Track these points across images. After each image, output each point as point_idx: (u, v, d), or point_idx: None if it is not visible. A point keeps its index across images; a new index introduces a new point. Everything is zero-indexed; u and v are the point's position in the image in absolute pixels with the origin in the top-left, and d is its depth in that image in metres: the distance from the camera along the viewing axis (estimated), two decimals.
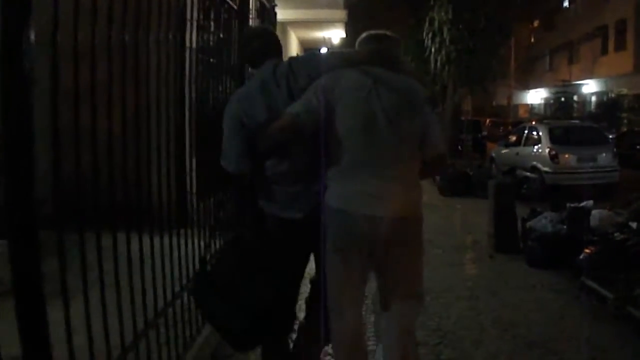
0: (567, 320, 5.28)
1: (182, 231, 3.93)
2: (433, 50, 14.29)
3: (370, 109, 3.02)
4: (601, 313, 5.40)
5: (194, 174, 4.90)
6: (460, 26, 13.78)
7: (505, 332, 4.92)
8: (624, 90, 32.89)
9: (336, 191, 3.03)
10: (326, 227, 3.06)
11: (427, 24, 14.55)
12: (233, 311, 3.09)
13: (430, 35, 14.41)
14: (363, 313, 3.47)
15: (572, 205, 7.57)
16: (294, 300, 3.56)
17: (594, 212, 7.37)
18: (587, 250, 6.45)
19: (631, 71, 32.29)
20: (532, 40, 49.56)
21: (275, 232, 3.34)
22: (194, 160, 5.01)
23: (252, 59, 3.53)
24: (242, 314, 3.06)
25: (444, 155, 3.31)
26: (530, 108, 51.49)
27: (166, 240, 3.55)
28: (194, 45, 4.62)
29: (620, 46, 34.34)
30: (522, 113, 52.69)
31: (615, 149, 13.89)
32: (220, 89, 5.22)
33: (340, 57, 3.44)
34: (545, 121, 18.28)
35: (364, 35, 3.40)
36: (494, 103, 52.76)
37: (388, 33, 3.43)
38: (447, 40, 13.98)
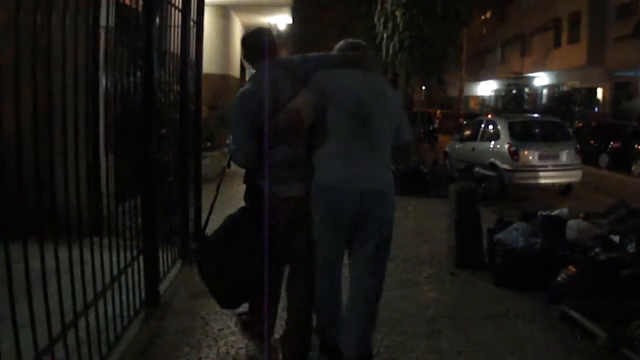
0: None
1: (95, 240, 3.72)
2: (385, 36, 13.20)
3: (357, 104, 3.61)
4: (590, 353, 4.40)
5: (110, 172, 4.37)
6: (415, 11, 12.72)
7: None
8: (577, 84, 32.60)
9: (327, 172, 3.62)
10: (316, 202, 3.67)
11: (379, 7, 13.45)
12: (220, 274, 3.80)
13: (382, 20, 13.31)
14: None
15: (544, 214, 6.57)
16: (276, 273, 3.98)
17: (570, 222, 6.38)
18: (567, 271, 5.44)
19: (584, 64, 32.01)
20: (484, 31, 49.14)
21: (272, 209, 3.70)
22: (110, 157, 4.56)
23: (252, 56, 3.90)
24: (226, 278, 3.78)
25: (410, 144, 4.20)
26: (481, 100, 51.26)
27: (75, 251, 3.32)
28: (111, 24, 4.23)
29: (573, 39, 34.15)
30: (472, 105, 52.59)
31: (578, 145, 13.05)
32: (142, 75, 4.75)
33: (333, 58, 3.88)
34: (504, 115, 17.45)
35: (342, 43, 4.01)
36: (443, 94, 52.35)
37: (362, 42, 4.08)
38: (401, 26, 12.91)
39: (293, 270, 4.05)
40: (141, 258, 4.76)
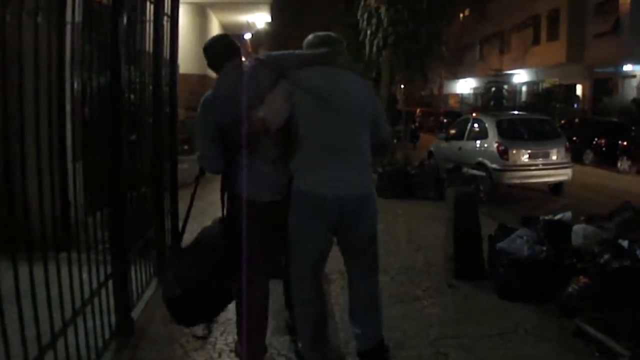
0: None
1: (62, 255, 3.38)
2: (369, 32, 12.74)
3: (329, 105, 3.51)
4: None
5: (78, 181, 4.04)
6: (400, 6, 12.25)
7: None
8: (557, 81, 32.46)
9: (305, 178, 3.52)
10: (295, 208, 3.56)
11: (362, 2, 12.96)
12: (171, 281, 3.70)
13: (365, 16, 12.86)
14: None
15: (547, 218, 6.15)
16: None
17: (575, 227, 5.96)
18: (577, 282, 5.03)
19: (564, 61, 31.87)
20: (463, 28, 48.91)
21: (247, 215, 3.60)
22: (78, 165, 4.27)
23: (214, 63, 3.77)
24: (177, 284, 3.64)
25: (387, 139, 3.97)
26: (461, 98, 51.10)
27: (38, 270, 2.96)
28: (78, 19, 4.08)
29: (552, 36, 33.99)
30: (452, 103, 52.39)
31: (567, 143, 12.70)
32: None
33: (298, 58, 3.72)
34: (492, 113, 17.10)
35: (310, 37, 3.83)
36: (423, 92, 52.09)
37: (332, 34, 3.92)
38: (385, 22, 12.46)
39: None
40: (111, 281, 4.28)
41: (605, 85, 30.26)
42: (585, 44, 30.85)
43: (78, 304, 3.62)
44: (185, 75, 16.42)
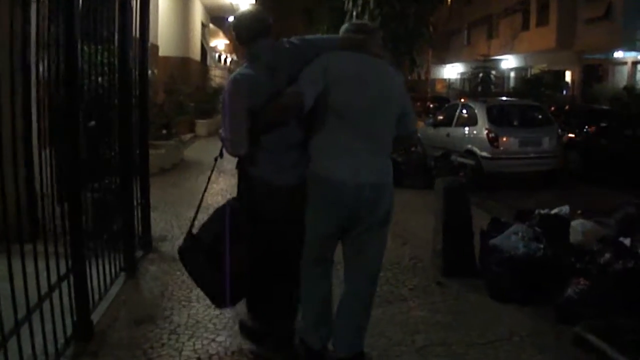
0: None
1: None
2: (355, 14, 12.27)
3: (359, 90, 3.45)
4: None
5: (47, 169, 3.75)
6: None
7: None
8: (545, 66, 32.15)
9: (325, 162, 3.46)
10: (309, 192, 3.52)
11: None
12: (215, 273, 3.53)
13: None
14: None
15: (542, 212, 5.75)
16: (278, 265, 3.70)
17: (574, 223, 5.59)
18: (577, 284, 4.66)
19: (554, 47, 31.47)
20: (450, 12, 48.47)
21: (265, 199, 3.58)
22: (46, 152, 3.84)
23: (242, 38, 3.60)
24: (223, 276, 3.50)
25: (414, 132, 3.99)
26: (448, 83, 50.74)
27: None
28: None
29: (542, 22, 33.52)
30: (439, 88, 52.01)
31: (560, 130, 12.33)
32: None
33: (335, 41, 3.67)
34: (481, 98, 16.68)
35: (347, 24, 3.83)
36: (417, 77, 51.66)
37: (368, 24, 4.13)
38: (372, 3, 12.00)
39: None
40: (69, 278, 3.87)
41: (595, 71, 29.96)
42: (576, 30, 30.45)
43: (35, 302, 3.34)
44: (166, 58, 15.97)
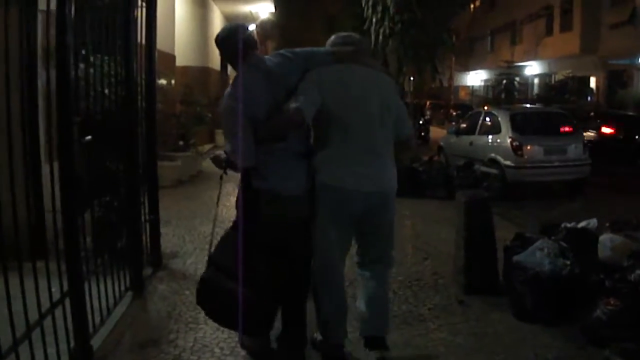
0: None
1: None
2: (374, 20, 12.04)
3: (356, 101, 3.62)
4: None
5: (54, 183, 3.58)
6: None
7: None
8: (570, 72, 31.67)
9: (330, 171, 3.60)
10: (319, 201, 3.64)
11: None
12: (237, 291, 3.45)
13: (370, 2, 12.13)
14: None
15: (569, 226, 5.46)
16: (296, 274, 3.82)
17: (602, 237, 5.29)
18: (607, 304, 4.37)
19: (577, 52, 30.99)
20: (473, 19, 48.13)
21: (271, 209, 3.61)
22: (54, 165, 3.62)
23: (227, 58, 3.72)
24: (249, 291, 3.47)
25: (411, 137, 4.12)
26: (471, 90, 50.31)
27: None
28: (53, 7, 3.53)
29: (566, 27, 33.02)
30: (462, 95, 51.61)
31: (585, 139, 11.97)
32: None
33: (328, 54, 3.78)
34: (505, 106, 16.32)
35: (334, 37, 3.96)
36: (432, 84, 51.33)
37: (354, 35, 4.06)
38: (391, 9, 11.77)
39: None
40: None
41: (620, 77, 29.41)
42: (600, 35, 29.94)
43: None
44: (185, 68, 15.84)
